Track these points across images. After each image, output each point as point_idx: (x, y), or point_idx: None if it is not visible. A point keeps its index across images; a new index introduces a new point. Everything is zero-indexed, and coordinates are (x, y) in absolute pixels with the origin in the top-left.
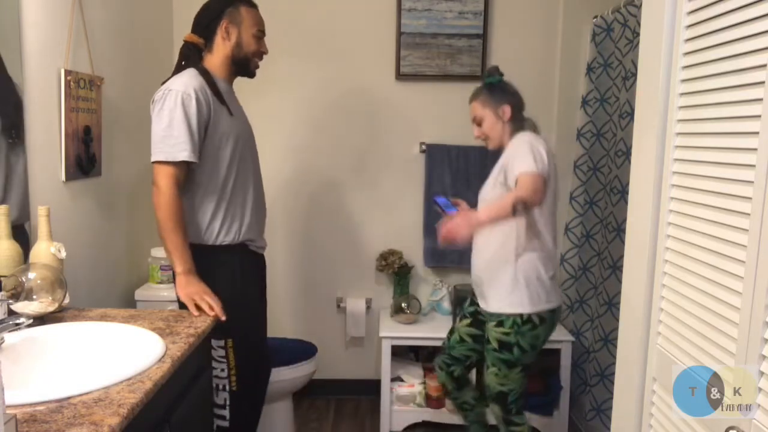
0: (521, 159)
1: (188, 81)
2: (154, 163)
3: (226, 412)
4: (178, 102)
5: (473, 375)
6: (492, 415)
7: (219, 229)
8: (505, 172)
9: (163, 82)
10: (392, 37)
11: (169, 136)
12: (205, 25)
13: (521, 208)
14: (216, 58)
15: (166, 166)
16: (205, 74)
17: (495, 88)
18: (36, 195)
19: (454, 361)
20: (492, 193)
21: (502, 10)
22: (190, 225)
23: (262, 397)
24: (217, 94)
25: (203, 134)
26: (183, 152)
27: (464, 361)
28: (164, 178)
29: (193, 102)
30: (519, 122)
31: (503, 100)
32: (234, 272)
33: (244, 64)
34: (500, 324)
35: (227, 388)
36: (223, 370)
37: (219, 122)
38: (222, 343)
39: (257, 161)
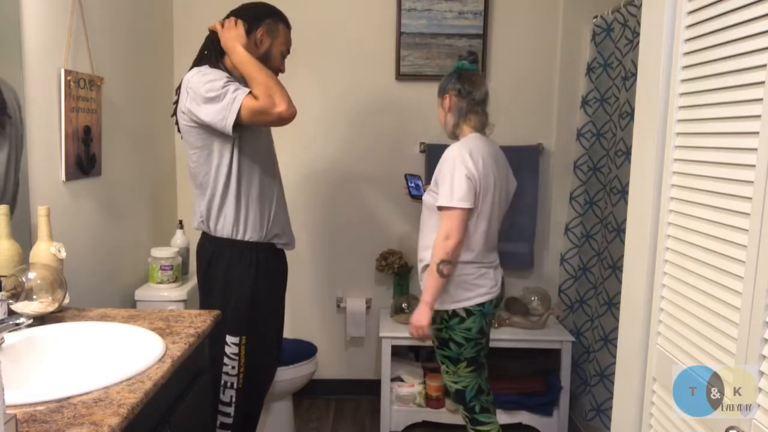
0: (442, 185)
1: (213, 70)
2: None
3: (231, 410)
4: (214, 73)
5: None
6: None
7: (247, 224)
8: (436, 182)
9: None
10: (392, 37)
11: (221, 96)
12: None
13: (445, 266)
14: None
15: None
16: (223, 70)
17: (448, 76)
18: (36, 195)
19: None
20: (428, 198)
21: (502, 10)
22: (220, 219)
23: (265, 394)
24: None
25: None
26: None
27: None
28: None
29: (225, 77)
30: (466, 115)
31: (446, 89)
32: (258, 271)
33: None
34: (433, 321)
35: (235, 385)
36: (233, 367)
37: None
38: (237, 340)
39: (276, 157)
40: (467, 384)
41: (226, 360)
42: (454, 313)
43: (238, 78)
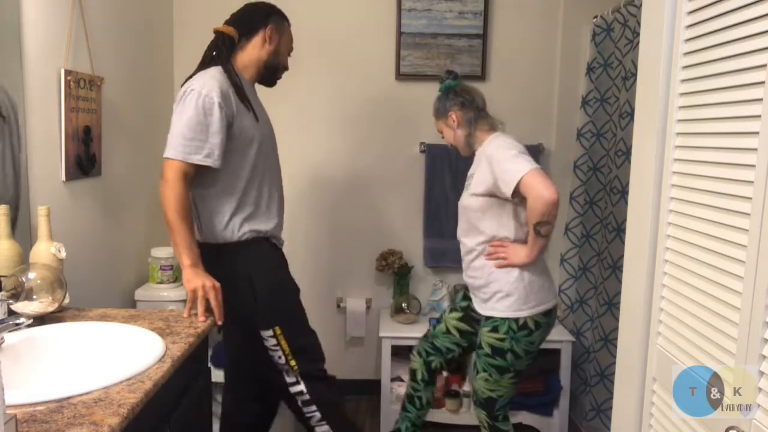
0: (505, 165)
1: (211, 82)
2: (165, 158)
3: (302, 387)
4: (199, 104)
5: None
6: (477, 419)
7: (241, 226)
8: (496, 185)
9: (189, 77)
10: (392, 37)
11: (181, 135)
12: (249, 22)
13: (544, 229)
14: (247, 58)
15: (175, 161)
16: (232, 74)
17: (441, 97)
18: (36, 195)
19: (436, 351)
20: (474, 202)
21: (502, 10)
22: (213, 227)
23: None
24: (243, 97)
25: (224, 137)
26: (196, 155)
27: (445, 353)
28: (172, 172)
29: (215, 105)
30: (477, 121)
31: (447, 108)
32: (272, 261)
33: (273, 72)
34: (494, 329)
35: (291, 370)
36: (280, 357)
37: (242, 124)
38: (270, 332)
39: (278, 162)
40: (503, 394)
41: (270, 353)
42: (524, 325)
43: (247, 85)
